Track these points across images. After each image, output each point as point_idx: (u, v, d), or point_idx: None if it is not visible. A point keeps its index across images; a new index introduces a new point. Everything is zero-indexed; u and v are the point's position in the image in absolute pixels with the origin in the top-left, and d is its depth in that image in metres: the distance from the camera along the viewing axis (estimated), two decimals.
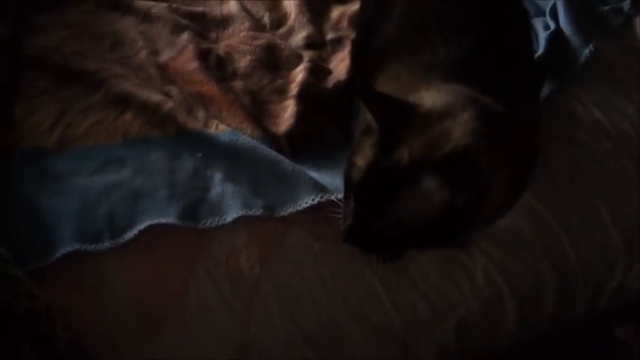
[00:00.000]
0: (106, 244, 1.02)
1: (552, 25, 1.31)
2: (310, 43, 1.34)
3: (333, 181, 1.11)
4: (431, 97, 0.90)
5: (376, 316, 1.07)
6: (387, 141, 0.86)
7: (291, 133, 1.18)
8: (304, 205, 1.07)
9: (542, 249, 1.16)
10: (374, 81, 1.06)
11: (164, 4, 1.38)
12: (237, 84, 1.26)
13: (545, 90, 1.24)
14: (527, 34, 1.21)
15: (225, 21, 1.38)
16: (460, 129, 0.85)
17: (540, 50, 1.27)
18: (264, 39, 1.33)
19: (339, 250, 1.08)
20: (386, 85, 1.00)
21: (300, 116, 1.20)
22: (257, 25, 1.38)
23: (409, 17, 1.09)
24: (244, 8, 1.40)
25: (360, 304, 1.06)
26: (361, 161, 0.89)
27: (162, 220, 1.04)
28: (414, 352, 1.10)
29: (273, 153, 1.11)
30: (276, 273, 1.05)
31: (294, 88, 1.24)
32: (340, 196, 1.07)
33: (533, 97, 1.11)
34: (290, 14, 1.41)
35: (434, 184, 0.81)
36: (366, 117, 0.88)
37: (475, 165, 0.83)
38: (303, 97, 1.22)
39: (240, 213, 1.06)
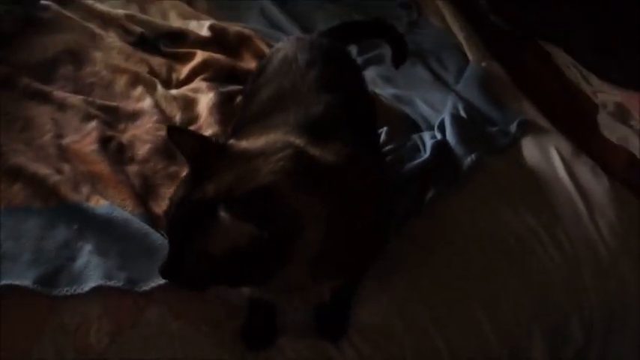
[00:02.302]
0: None
1: (439, 137, 1.38)
2: None
3: None
4: (251, 141, 0.93)
5: None
6: (197, 177, 0.87)
7: None
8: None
9: (414, 349, 1.13)
10: None
11: (81, 97, 1.45)
12: (133, 168, 1.29)
13: (430, 194, 1.28)
14: (370, 115, 1.26)
15: (135, 115, 1.43)
16: (268, 167, 0.86)
17: (425, 155, 1.32)
18: None
19: (198, 332, 1.05)
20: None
21: None
22: (166, 120, 1.43)
23: (271, 97, 1.15)
24: (158, 106, 1.47)
25: None
26: (174, 197, 0.89)
27: (17, 282, 1.02)
28: None
29: (146, 227, 1.12)
30: (126, 349, 1.01)
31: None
32: None
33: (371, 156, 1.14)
34: (201, 116, 1.47)
35: (231, 220, 0.80)
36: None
37: (279, 203, 0.83)
38: None
39: (99, 282, 1.04)
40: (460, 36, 1.82)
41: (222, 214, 0.79)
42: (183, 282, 0.90)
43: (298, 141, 0.93)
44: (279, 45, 1.35)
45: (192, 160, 0.90)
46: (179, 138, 0.91)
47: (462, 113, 1.49)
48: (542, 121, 1.56)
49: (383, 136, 1.40)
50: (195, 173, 0.89)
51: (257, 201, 0.82)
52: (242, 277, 0.87)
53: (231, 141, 0.94)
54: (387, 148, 1.37)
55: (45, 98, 1.44)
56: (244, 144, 0.92)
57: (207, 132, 1.42)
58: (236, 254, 0.83)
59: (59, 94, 1.44)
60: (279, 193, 0.84)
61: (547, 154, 1.47)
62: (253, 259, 0.83)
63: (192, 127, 1.45)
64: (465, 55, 1.77)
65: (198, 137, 0.95)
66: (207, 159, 0.88)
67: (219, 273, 0.86)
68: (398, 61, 1.49)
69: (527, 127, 1.52)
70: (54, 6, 1.67)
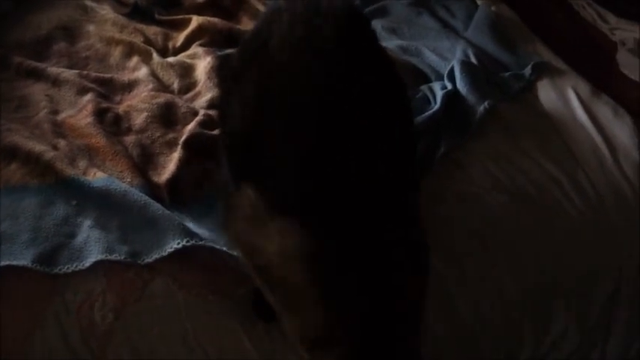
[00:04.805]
0: None
1: (449, 86, 1.31)
2: (213, 105, 1.33)
3: (210, 234, 1.07)
4: None
5: None
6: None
7: (171, 181, 1.15)
8: (169, 250, 1.02)
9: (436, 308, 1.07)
10: None
11: (75, 71, 1.40)
12: (130, 138, 1.24)
13: (442, 148, 1.22)
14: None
15: (130, 85, 1.38)
16: None
17: (436, 107, 1.25)
18: (163, 98, 1.32)
19: (205, 303, 1.01)
20: None
21: (183, 163, 1.18)
22: (162, 88, 1.38)
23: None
24: (154, 74, 1.42)
25: None
26: None
27: (15, 263, 0.98)
28: None
29: (144, 197, 1.08)
30: (132, 323, 0.98)
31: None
32: (211, 244, 1.02)
33: None
34: (200, 81, 1.42)
35: None
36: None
37: None
38: (188, 144, 1.21)
39: (100, 257, 1.00)
40: None
41: None
42: None
43: None
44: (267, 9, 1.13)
45: None
46: None
47: (473, 59, 1.41)
48: (558, 63, 1.48)
49: None
50: None
51: None
52: None
53: None
54: None
55: (39, 76, 1.40)
56: None
57: (207, 96, 1.37)
58: None
59: (53, 70, 1.40)
60: None
61: (565, 97, 1.39)
62: None
63: (190, 94, 1.40)
64: (474, 0, 1.68)
65: None
66: None
67: None
68: None
69: (543, 70, 1.43)
70: None
